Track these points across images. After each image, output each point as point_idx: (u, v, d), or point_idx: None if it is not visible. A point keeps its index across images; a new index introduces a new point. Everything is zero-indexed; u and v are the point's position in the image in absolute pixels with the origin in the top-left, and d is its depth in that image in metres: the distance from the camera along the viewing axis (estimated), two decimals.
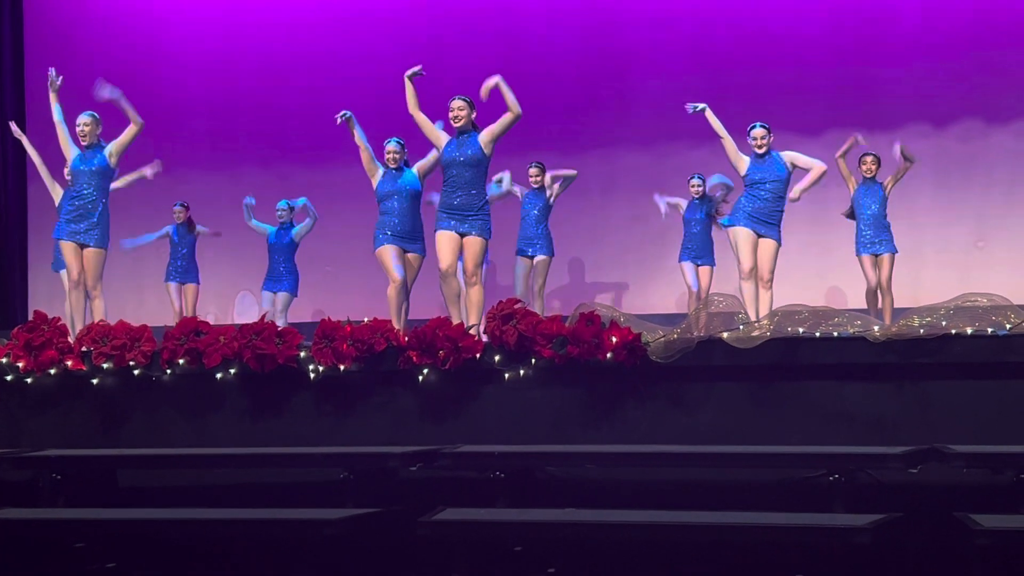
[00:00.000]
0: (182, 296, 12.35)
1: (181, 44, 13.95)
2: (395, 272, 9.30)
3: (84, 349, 8.50)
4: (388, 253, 9.35)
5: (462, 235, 8.93)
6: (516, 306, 8.02)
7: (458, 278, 9.05)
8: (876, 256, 10.53)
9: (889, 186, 10.58)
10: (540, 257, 11.35)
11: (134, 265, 13.54)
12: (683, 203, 11.50)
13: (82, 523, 7.09)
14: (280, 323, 11.41)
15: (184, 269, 12.38)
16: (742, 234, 9.51)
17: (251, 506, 7.34)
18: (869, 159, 10.62)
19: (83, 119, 9.58)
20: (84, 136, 9.49)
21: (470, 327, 8.28)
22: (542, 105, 12.97)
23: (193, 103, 13.86)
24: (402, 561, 7.04)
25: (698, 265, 11.42)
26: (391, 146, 9.74)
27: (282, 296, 11.95)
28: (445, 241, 8.90)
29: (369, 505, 7.06)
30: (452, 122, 9.03)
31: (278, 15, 13.90)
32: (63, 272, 10.24)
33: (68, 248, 9.42)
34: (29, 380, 8.52)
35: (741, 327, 7.83)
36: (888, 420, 7.41)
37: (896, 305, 10.27)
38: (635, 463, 7.46)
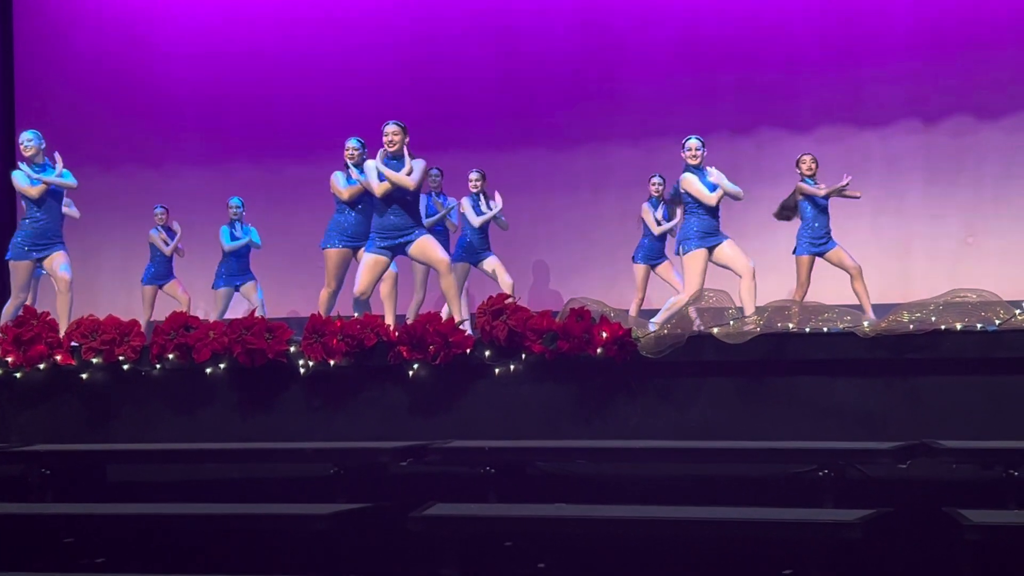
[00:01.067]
0: (156, 299, 12.28)
1: (171, 40, 13.92)
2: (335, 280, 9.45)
3: (73, 344, 8.49)
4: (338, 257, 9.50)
5: (405, 247, 8.79)
6: (506, 301, 8.03)
7: (369, 302, 9.02)
8: (824, 254, 10.26)
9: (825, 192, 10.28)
10: (490, 258, 11.06)
11: (122, 262, 13.52)
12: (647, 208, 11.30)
13: (71, 518, 7.09)
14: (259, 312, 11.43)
15: (163, 273, 12.31)
16: (702, 256, 9.32)
17: (241, 501, 7.34)
18: (808, 158, 10.23)
19: (27, 136, 9.58)
20: (32, 152, 9.47)
21: (460, 323, 8.28)
22: (533, 101, 12.98)
23: (183, 99, 13.83)
24: (392, 556, 7.04)
25: (655, 266, 11.29)
26: (351, 143, 9.67)
27: (251, 284, 11.95)
28: (369, 265, 8.79)
29: (359, 500, 7.06)
30: (387, 147, 8.81)
31: (268, 12, 13.87)
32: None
33: (24, 268, 9.47)
34: (18, 375, 8.51)
35: (731, 322, 7.84)
36: (878, 415, 7.42)
37: (885, 300, 10.24)
38: (625, 458, 7.47)
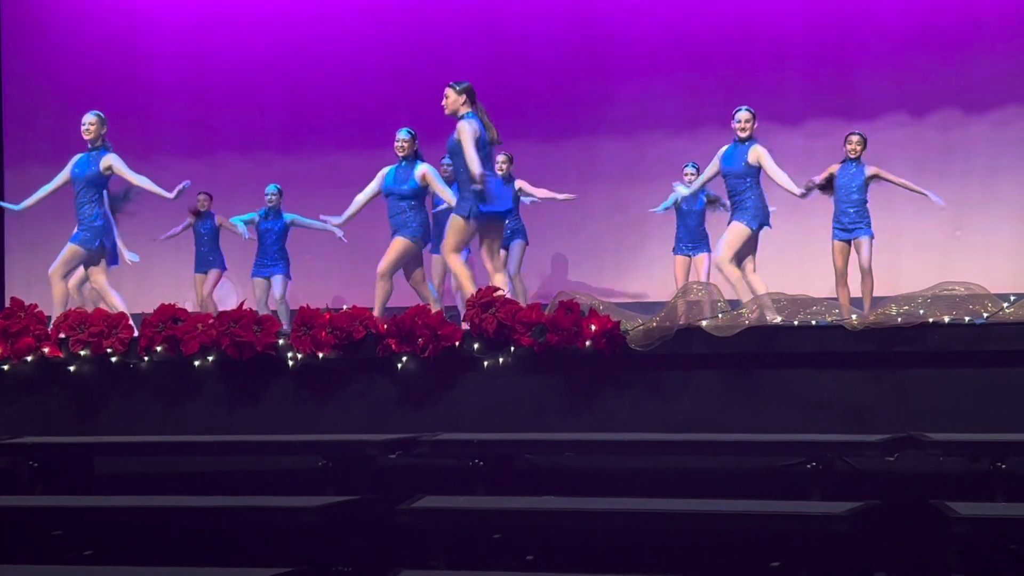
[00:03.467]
0: (203, 285, 12.25)
1: (158, 33, 13.89)
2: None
3: (61, 336, 8.46)
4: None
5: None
6: (496, 294, 8.02)
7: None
8: (851, 242, 10.30)
9: (874, 174, 10.27)
10: (517, 241, 11.30)
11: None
12: (679, 192, 11.21)
13: (59, 510, 7.07)
14: (281, 308, 11.40)
15: (206, 257, 12.25)
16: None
17: (229, 494, 7.32)
18: (855, 139, 10.23)
19: (89, 119, 9.36)
20: (89, 134, 9.32)
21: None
22: (522, 94, 12.98)
23: (171, 89, 13.80)
24: (381, 549, 7.03)
25: (692, 256, 11.26)
26: (402, 135, 9.69)
27: (279, 280, 11.86)
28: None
29: (348, 493, 7.06)
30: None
31: (256, 5, 13.84)
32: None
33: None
34: (6, 367, 8.49)
35: (720, 315, 7.84)
36: (865, 408, 7.43)
37: (873, 294, 10.28)
38: (614, 451, 7.47)
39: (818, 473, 6.86)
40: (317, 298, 11.72)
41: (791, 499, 6.66)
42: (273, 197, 11.88)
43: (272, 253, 11.89)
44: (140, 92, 13.68)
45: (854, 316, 7.66)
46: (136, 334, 8.41)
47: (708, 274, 10.90)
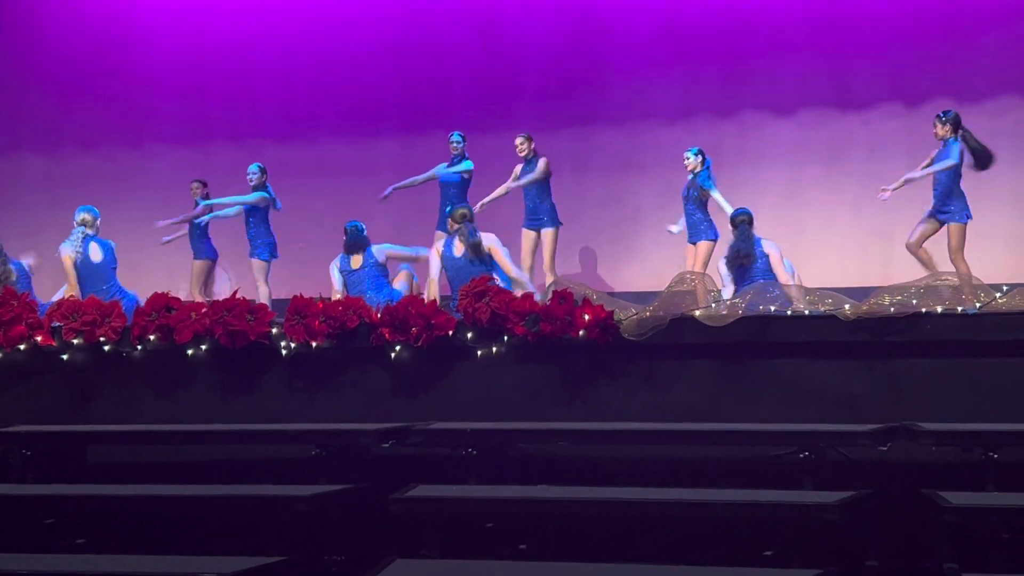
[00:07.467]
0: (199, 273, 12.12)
1: (151, 20, 13.86)
2: None
3: (54, 325, 8.46)
4: None
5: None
6: (489, 283, 8.03)
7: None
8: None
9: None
10: (547, 230, 11.13)
11: None
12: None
13: (52, 499, 7.07)
14: (264, 290, 11.25)
15: (198, 247, 12.12)
16: None
17: (222, 482, 7.33)
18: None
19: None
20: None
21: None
22: (516, 84, 12.97)
23: (164, 78, 13.77)
24: (374, 537, 7.04)
25: (696, 243, 11.08)
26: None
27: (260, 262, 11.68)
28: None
29: (341, 482, 7.06)
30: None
31: None
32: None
33: None
34: None
35: (713, 305, 7.85)
36: (858, 398, 7.45)
37: (867, 284, 10.27)
38: (607, 440, 7.48)
39: (811, 462, 6.87)
40: (310, 287, 11.72)
41: (784, 488, 6.67)
42: (254, 176, 11.62)
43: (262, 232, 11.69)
44: (134, 80, 13.65)
45: (847, 306, 7.67)
46: (129, 323, 8.39)
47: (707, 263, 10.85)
